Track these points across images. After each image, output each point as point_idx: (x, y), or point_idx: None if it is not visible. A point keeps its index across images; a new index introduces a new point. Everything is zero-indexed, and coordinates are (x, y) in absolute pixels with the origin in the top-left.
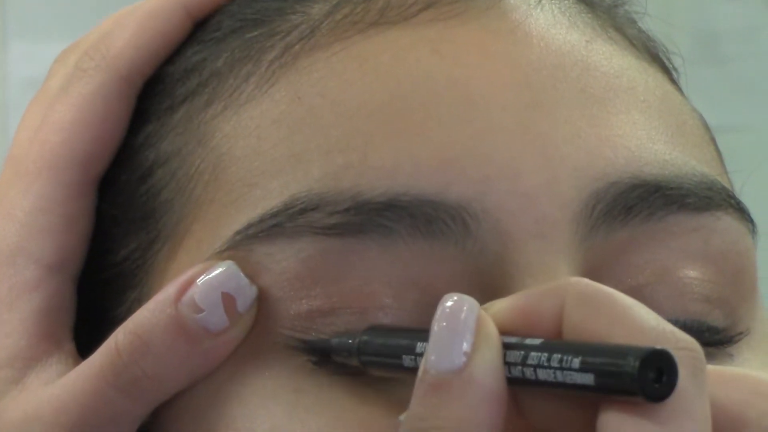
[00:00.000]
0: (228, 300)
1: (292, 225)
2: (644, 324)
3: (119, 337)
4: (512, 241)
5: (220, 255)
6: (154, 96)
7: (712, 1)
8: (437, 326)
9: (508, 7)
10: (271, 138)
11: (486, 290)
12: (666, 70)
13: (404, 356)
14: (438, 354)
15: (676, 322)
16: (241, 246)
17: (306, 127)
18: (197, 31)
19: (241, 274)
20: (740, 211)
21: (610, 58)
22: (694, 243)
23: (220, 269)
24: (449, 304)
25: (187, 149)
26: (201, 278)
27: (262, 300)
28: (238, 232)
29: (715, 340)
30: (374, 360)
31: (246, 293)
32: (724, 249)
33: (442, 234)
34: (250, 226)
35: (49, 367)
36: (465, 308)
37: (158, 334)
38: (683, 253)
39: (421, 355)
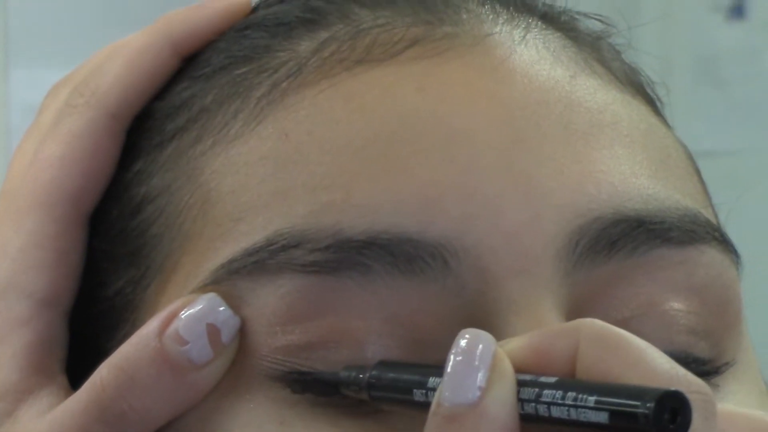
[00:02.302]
0: (212, 331)
1: (274, 261)
2: (658, 367)
3: (103, 372)
4: (493, 278)
5: (204, 289)
6: (144, 132)
7: (712, 24)
8: (453, 360)
9: (492, 43)
10: (259, 174)
11: (470, 326)
12: (650, 101)
13: (415, 390)
14: (453, 388)
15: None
16: (223, 280)
17: (292, 164)
18: (186, 66)
19: (225, 306)
20: (724, 243)
21: (594, 93)
22: (678, 276)
23: (204, 301)
24: (466, 338)
25: (176, 185)
26: (185, 311)
27: (244, 333)
28: (221, 266)
29: (702, 371)
30: (384, 395)
31: (230, 324)
32: (708, 281)
33: (422, 272)
34: (233, 260)
35: (41, 399)
36: (481, 343)
37: (143, 367)
38: (668, 286)
39: (432, 389)
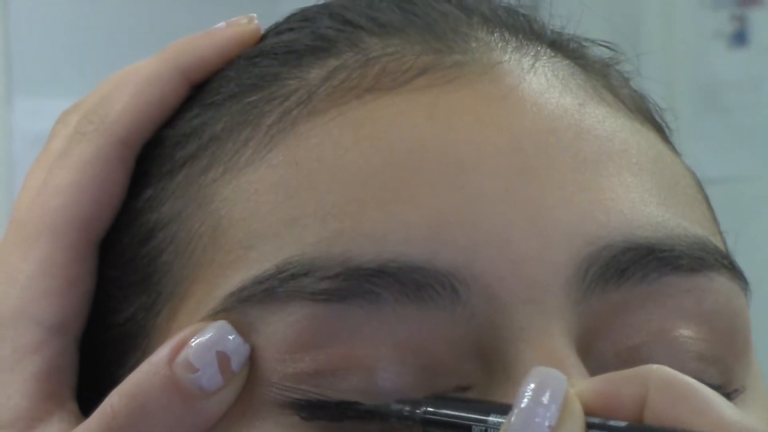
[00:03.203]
0: (222, 359)
1: (283, 290)
2: (726, 416)
3: (114, 400)
4: (502, 306)
5: (214, 317)
6: (154, 159)
7: (715, 51)
8: (524, 397)
9: (501, 72)
10: (269, 202)
11: (480, 355)
12: (659, 128)
13: (474, 426)
14: (523, 425)
15: None
16: (234, 308)
17: (302, 192)
18: (196, 94)
19: (235, 333)
20: (733, 270)
21: (603, 121)
22: (687, 303)
23: (214, 329)
24: (537, 376)
25: (186, 212)
26: (195, 339)
27: (255, 360)
28: (231, 294)
29: None
30: (441, 431)
31: (240, 351)
32: (717, 308)
33: (431, 300)
34: (243, 288)
35: (51, 426)
36: (553, 382)
37: (154, 395)
38: (677, 313)
39: (494, 427)
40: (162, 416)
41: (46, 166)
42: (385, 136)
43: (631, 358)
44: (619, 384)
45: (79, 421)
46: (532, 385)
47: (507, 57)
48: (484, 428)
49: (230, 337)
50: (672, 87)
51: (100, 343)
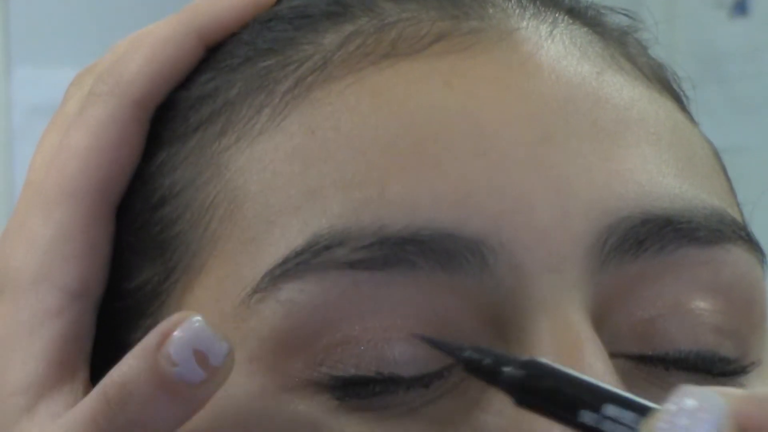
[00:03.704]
0: (200, 356)
1: (318, 261)
2: None
3: (107, 385)
4: (525, 276)
5: (249, 296)
6: (167, 122)
7: (715, 22)
8: (679, 421)
9: (519, 38)
10: (286, 173)
11: (498, 324)
12: (677, 97)
13: (583, 411)
14: None
15: (689, 353)
16: (268, 287)
17: (320, 162)
18: (210, 57)
19: (209, 331)
20: (750, 242)
21: (621, 90)
22: (704, 275)
23: (188, 327)
24: (691, 399)
25: (200, 180)
26: (175, 333)
27: (293, 337)
28: (266, 274)
29: (727, 370)
30: (539, 403)
31: (216, 350)
32: (733, 281)
33: (461, 268)
34: (275, 267)
35: (61, 397)
36: (709, 407)
37: (141, 384)
38: (693, 285)
39: (610, 419)
40: (150, 404)
41: (61, 128)
42: (402, 103)
43: (646, 329)
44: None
45: (87, 392)
46: (686, 410)
47: (524, 24)
48: (597, 415)
49: (206, 336)
50: (673, 57)
51: (111, 307)
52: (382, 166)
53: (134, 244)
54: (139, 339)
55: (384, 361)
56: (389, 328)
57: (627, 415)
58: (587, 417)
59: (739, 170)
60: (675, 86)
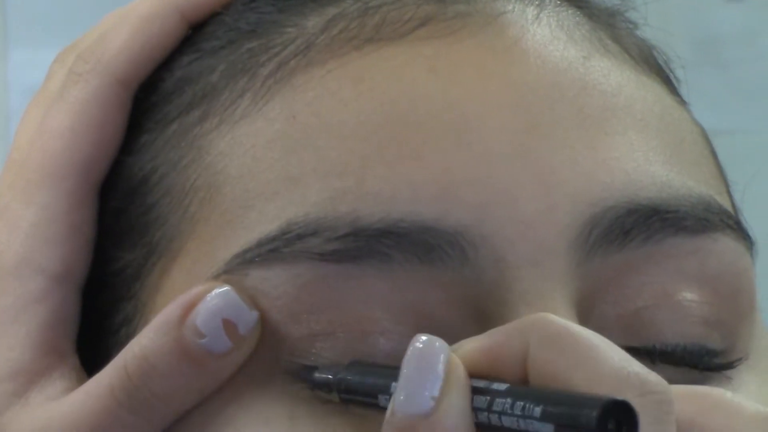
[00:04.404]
0: (229, 326)
1: (289, 250)
2: (606, 368)
3: (128, 359)
4: (509, 269)
5: (216, 278)
6: (150, 104)
7: (712, 5)
8: (406, 368)
9: (505, 22)
10: (267, 158)
11: (481, 317)
12: (666, 80)
13: (380, 396)
14: (406, 397)
15: (676, 346)
16: (236, 270)
17: (301, 148)
18: (193, 37)
19: (240, 300)
20: (738, 230)
21: (608, 75)
22: (690, 265)
23: (218, 296)
24: (419, 345)
25: (181, 164)
26: (201, 304)
27: (260, 324)
28: (235, 256)
29: (714, 363)
30: (352, 398)
31: (246, 318)
32: (721, 270)
33: (440, 261)
34: (246, 251)
35: (53, 382)
36: (435, 351)
37: (164, 357)
38: (680, 276)
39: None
40: (174, 378)
41: (43, 106)
42: (385, 91)
43: (632, 321)
44: (502, 340)
45: (79, 376)
46: (414, 354)
47: (511, 7)
48: (388, 396)
49: (235, 304)
50: (669, 40)
51: (93, 291)
52: (363, 155)
53: (116, 227)
54: (119, 323)
55: (357, 353)
56: (361, 320)
57: None
58: (383, 400)
59: (736, 153)
60: (664, 68)
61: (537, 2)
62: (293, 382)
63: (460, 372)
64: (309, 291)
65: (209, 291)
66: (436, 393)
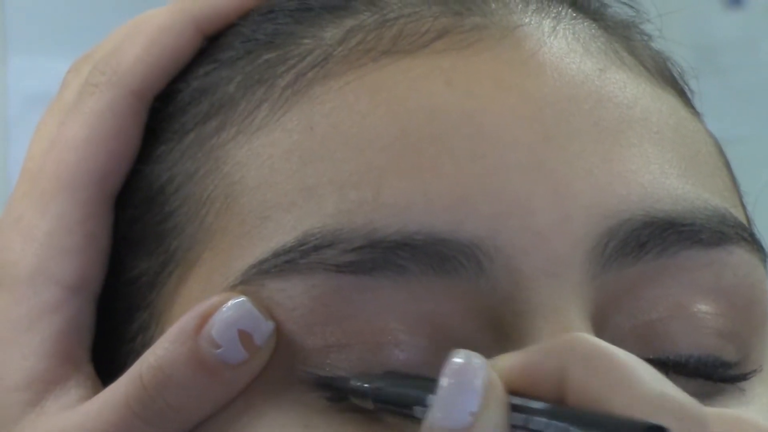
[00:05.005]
0: (244, 336)
1: (305, 261)
2: (643, 391)
3: (143, 369)
4: (524, 280)
5: (232, 289)
6: (166, 115)
7: (711, 12)
8: (445, 382)
9: (522, 35)
10: (284, 169)
11: (497, 328)
12: (681, 92)
13: (415, 407)
14: (444, 411)
15: (690, 357)
16: (252, 281)
17: (318, 159)
18: (209, 48)
19: (255, 311)
20: (752, 242)
21: (624, 88)
22: (706, 278)
23: (234, 307)
24: (458, 360)
25: (199, 174)
26: (217, 315)
27: (276, 335)
28: (251, 267)
29: (728, 375)
30: (387, 407)
31: (262, 329)
32: (735, 282)
33: (455, 272)
34: (263, 261)
35: (68, 391)
36: (474, 367)
37: (180, 368)
38: (695, 288)
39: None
40: (189, 387)
41: (59, 117)
42: (402, 103)
43: (647, 333)
44: (540, 358)
45: (94, 385)
46: (453, 369)
47: (527, 20)
48: (424, 408)
49: (251, 315)
50: (668, 47)
51: (109, 300)
52: (379, 167)
53: (132, 236)
54: (135, 331)
55: (372, 364)
56: (376, 332)
57: None
58: (419, 412)
59: (737, 161)
60: (679, 80)
61: (553, 15)
62: (308, 391)
63: (499, 388)
64: (324, 302)
65: (225, 301)
66: (475, 409)
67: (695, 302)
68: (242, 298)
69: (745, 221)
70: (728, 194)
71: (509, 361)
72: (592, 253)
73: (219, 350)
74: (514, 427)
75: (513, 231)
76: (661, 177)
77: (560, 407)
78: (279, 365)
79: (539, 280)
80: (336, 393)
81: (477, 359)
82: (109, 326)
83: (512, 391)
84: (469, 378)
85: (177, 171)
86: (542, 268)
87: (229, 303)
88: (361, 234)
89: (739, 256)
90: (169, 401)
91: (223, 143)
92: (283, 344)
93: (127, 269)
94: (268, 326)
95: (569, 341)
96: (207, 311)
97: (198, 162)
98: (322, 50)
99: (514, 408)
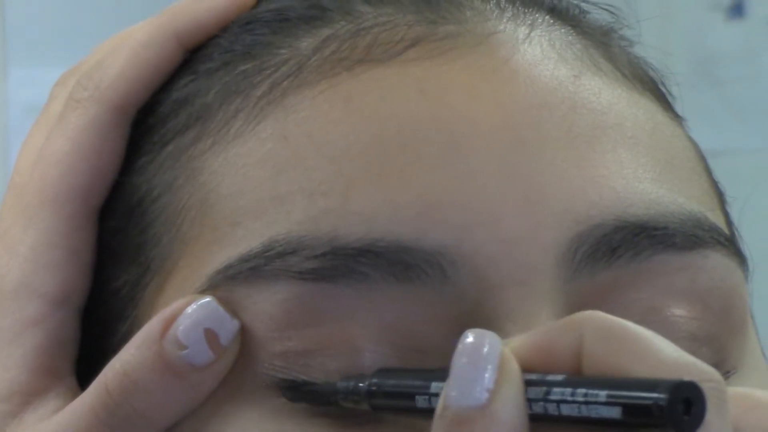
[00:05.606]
0: (211, 336)
1: (269, 268)
2: (667, 357)
3: (109, 376)
4: (491, 288)
5: (201, 293)
6: (147, 127)
7: (710, 23)
8: (459, 362)
9: (496, 43)
10: (257, 177)
11: None
12: (660, 97)
13: (417, 397)
14: (460, 390)
15: None
16: (221, 286)
17: (290, 167)
18: (189, 59)
19: (221, 309)
20: (729, 246)
21: (599, 93)
22: (680, 281)
23: (200, 306)
24: (471, 338)
25: (177, 184)
26: (183, 316)
27: (242, 339)
28: (218, 272)
29: None
30: (386, 403)
31: (228, 327)
32: (711, 286)
33: (419, 279)
34: (229, 267)
35: (47, 402)
36: (487, 343)
37: (145, 372)
38: (669, 292)
39: (435, 395)
40: (155, 392)
41: (45, 129)
42: (375, 111)
43: None
44: (554, 335)
45: (75, 396)
46: (467, 347)
47: (502, 27)
48: (427, 397)
49: (217, 314)
50: (668, 58)
51: (93, 312)
52: (349, 176)
53: (114, 248)
54: (118, 343)
55: (335, 371)
56: (339, 339)
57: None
58: (421, 401)
59: (735, 173)
60: (659, 85)
61: (529, 22)
62: (276, 396)
63: (513, 364)
64: (287, 309)
65: (190, 303)
66: (491, 385)
67: (669, 306)
68: (208, 298)
69: (724, 226)
70: (706, 199)
71: (523, 339)
72: (562, 259)
73: (185, 352)
74: (531, 400)
75: (481, 239)
76: (634, 181)
77: (581, 376)
78: (246, 369)
79: (508, 288)
80: (316, 397)
81: (489, 336)
82: (95, 337)
83: (527, 369)
84: (483, 355)
85: (156, 182)
86: (511, 276)
87: (195, 303)
88: (323, 241)
89: (714, 260)
90: (135, 407)
91: (200, 153)
92: (249, 349)
93: (110, 280)
94: (234, 325)
95: (583, 317)
96: (171, 315)
97: (176, 172)
98: (296, 60)
99: (531, 383)
